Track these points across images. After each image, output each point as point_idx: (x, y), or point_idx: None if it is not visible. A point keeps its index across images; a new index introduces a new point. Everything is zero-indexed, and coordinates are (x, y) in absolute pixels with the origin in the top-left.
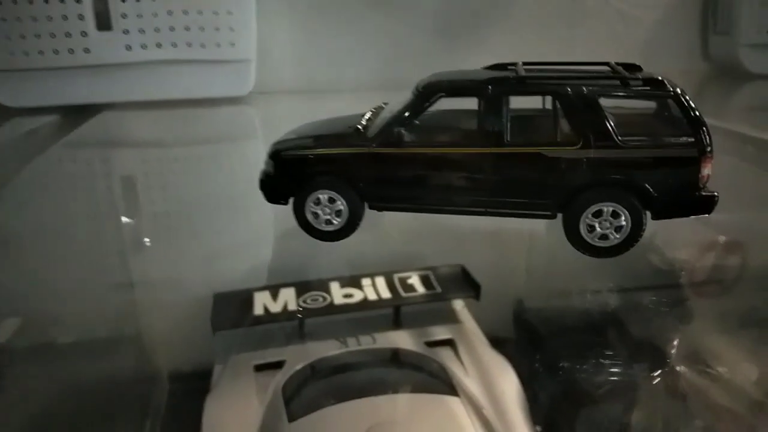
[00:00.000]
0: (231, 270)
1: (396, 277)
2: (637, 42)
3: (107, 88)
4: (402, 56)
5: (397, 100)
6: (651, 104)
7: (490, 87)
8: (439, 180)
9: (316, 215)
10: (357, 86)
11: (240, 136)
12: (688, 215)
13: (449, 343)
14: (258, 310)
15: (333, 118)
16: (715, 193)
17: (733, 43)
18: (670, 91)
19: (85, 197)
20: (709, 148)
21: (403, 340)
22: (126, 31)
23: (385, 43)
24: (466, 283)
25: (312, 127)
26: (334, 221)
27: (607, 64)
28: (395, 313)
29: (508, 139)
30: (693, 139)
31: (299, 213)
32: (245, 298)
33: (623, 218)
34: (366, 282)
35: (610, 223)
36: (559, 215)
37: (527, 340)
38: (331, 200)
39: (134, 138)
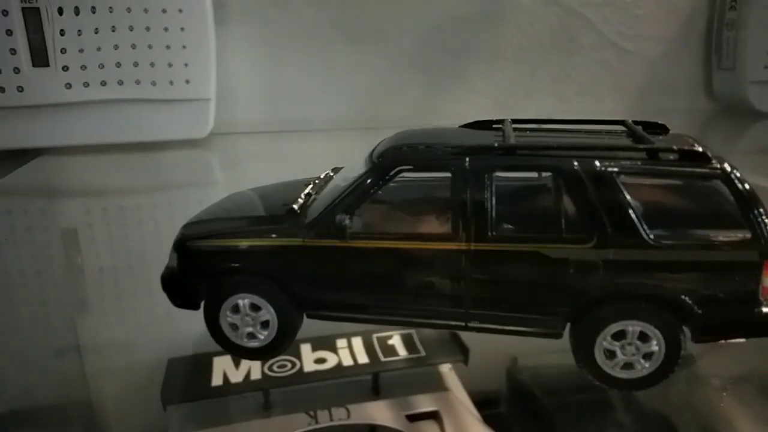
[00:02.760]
0: (188, 331)
1: (375, 337)
2: (636, 79)
3: (44, 130)
4: (379, 93)
5: (351, 166)
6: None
7: (467, 160)
8: (400, 284)
9: (234, 327)
10: (329, 126)
11: (196, 182)
12: (742, 337)
13: (434, 416)
14: (217, 380)
15: (269, 188)
16: None
17: (739, 79)
18: (718, 168)
19: (21, 252)
20: None
21: (381, 413)
22: (65, 68)
23: (360, 80)
24: (453, 344)
25: (236, 203)
26: (259, 335)
27: (623, 123)
28: (374, 379)
29: (493, 232)
30: (750, 235)
31: (212, 323)
32: (203, 365)
33: (654, 342)
34: (341, 344)
35: (637, 348)
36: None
37: (521, 401)
38: (255, 307)
39: (76, 186)
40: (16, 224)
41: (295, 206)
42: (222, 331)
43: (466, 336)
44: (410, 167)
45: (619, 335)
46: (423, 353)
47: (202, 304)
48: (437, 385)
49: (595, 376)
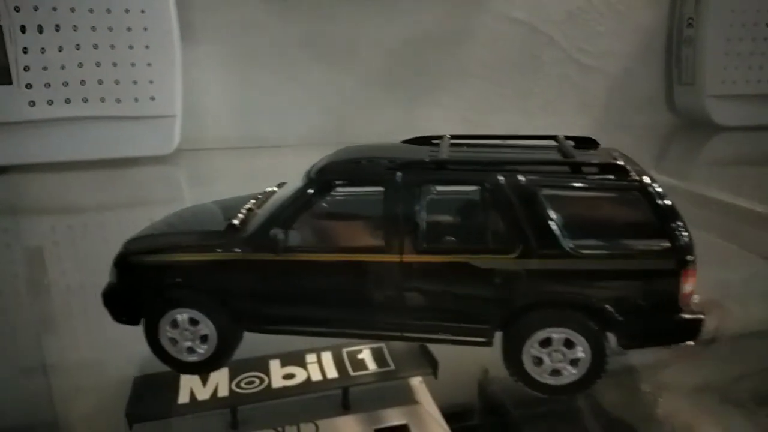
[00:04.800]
0: None
1: (345, 352)
2: (599, 94)
3: (8, 148)
4: (348, 109)
5: (294, 182)
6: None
7: (399, 174)
8: (334, 296)
9: (174, 341)
10: (299, 141)
11: (163, 199)
12: (665, 344)
13: (403, 429)
14: (183, 398)
15: (218, 203)
16: (701, 315)
17: (698, 94)
18: (636, 181)
19: None
20: (690, 257)
21: (350, 427)
22: (29, 86)
23: (330, 96)
24: (423, 358)
25: (181, 218)
26: (199, 349)
27: (554, 138)
28: (343, 394)
29: (424, 244)
30: (669, 245)
31: (152, 338)
32: (170, 382)
33: (580, 349)
34: (311, 358)
35: (564, 355)
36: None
37: (493, 413)
38: (193, 322)
39: (41, 204)
40: None
41: (236, 221)
42: (162, 345)
43: (436, 349)
44: (344, 182)
45: (546, 342)
46: (392, 367)
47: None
48: (407, 398)
49: (524, 383)
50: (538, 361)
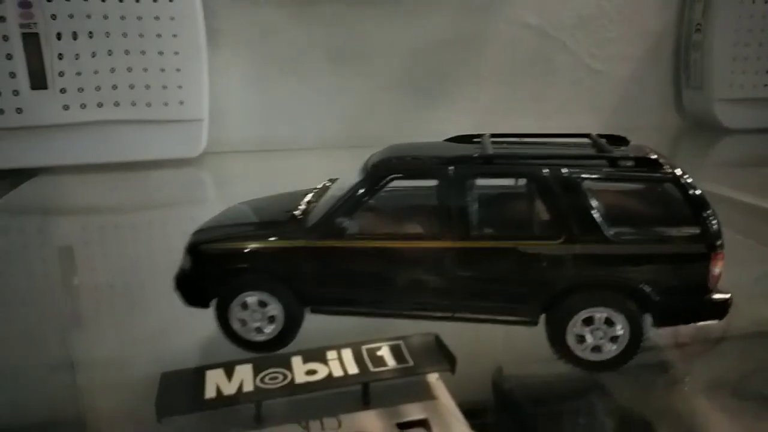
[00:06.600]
0: (182, 346)
1: (364, 348)
2: (609, 97)
3: (42, 150)
4: (367, 113)
5: (345, 178)
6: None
7: (451, 168)
8: (393, 279)
9: (243, 322)
10: (319, 144)
11: (189, 200)
12: (695, 321)
13: (423, 423)
14: (210, 393)
15: (270, 198)
16: (729, 296)
17: (706, 97)
18: (669, 173)
19: (18, 270)
20: (719, 242)
21: (371, 422)
22: (63, 90)
23: (349, 100)
24: (440, 354)
25: (241, 211)
26: (266, 329)
27: (587, 136)
28: (364, 389)
29: (475, 231)
30: (699, 231)
31: (223, 319)
32: (196, 378)
33: (620, 326)
34: (331, 355)
35: (604, 333)
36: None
37: (507, 410)
38: (262, 303)
39: (72, 204)
40: (13, 242)
41: (298, 212)
42: (231, 326)
43: (453, 346)
44: (401, 175)
45: (588, 321)
46: (411, 363)
47: (213, 302)
48: (425, 394)
49: (568, 359)
50: (581, 339)
